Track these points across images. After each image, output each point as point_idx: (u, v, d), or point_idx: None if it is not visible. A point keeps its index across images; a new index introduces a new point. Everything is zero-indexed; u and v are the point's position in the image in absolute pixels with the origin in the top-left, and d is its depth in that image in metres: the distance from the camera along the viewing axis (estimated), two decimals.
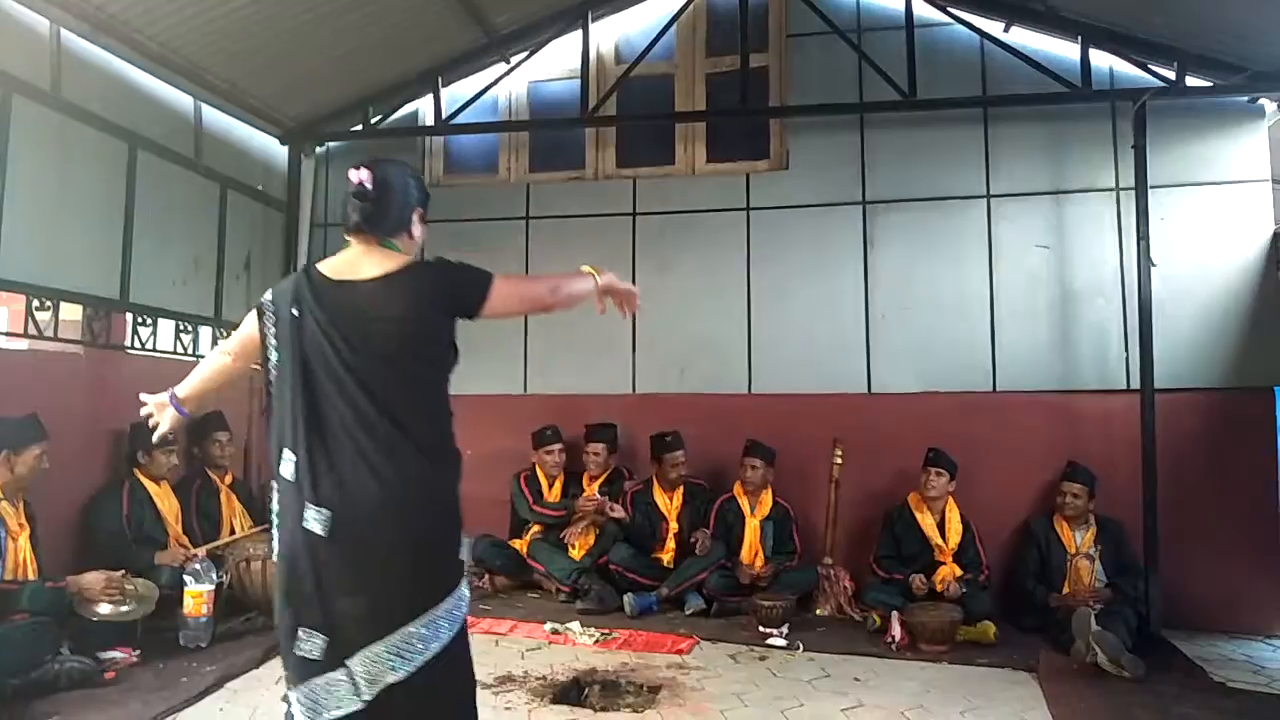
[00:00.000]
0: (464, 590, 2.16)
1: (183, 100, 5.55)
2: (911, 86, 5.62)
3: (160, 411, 2.51)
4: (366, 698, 2.03)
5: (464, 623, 2.16)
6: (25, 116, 4.37)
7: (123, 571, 4.03)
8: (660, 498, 5.70)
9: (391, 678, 2.02)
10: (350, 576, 2.05)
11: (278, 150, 6.47)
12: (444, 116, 6.39)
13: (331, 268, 2.23)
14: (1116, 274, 5.67)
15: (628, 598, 5.20)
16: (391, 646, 2.03)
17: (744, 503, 5.61)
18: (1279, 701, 4.01)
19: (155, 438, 2.57)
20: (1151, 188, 5.37)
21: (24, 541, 3.86)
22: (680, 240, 6.34)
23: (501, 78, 6.45)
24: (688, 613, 5.22)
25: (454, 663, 2.12)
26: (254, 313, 2.30)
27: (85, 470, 4.74)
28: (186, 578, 4.25)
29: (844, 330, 6.03)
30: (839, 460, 5.43)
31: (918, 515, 5.29)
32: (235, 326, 6.31)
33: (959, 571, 5.12)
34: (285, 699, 2.13)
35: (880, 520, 5.45)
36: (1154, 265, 5.29)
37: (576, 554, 5.61)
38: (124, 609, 3.97)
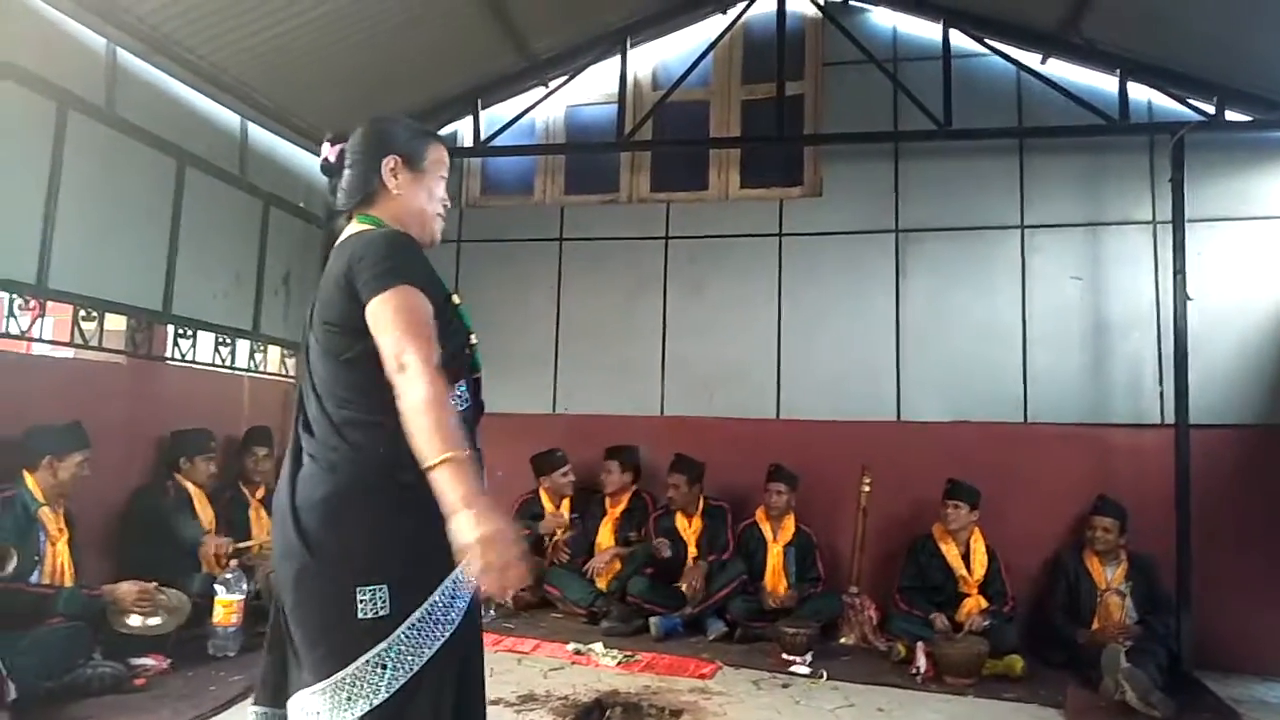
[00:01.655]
0: (392, 660, 1.70)
1: (230, 119, 5.69)
2: (947, 116, 5.64)
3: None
4: None
5: (424, 664, 1.72)
6: (80, 132, 4.49)
7: (155, 584, 4.09)
8: (680, 522, 5.70)
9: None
10: (278, 613, 1.84)
11: (319, 168, 6.58)
12: (482, 138, 6.50)
13: None
14: (1152, 307, 5.63)
15: (653, 620, 5.20)
16: (306, 701, 1.74)
17: (766, 528, 5.60)
18: None
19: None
20: (1189, 221, 5.33)
21: (63, 546, 3.95)
22: (712, 265, 6.38)
23: (540, 101, 6.56)
24: (711, 638, 5.20)
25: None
26: None
27: (125, 478, 4.85)
28: (217, 587, 4.32)
29: (874, 358, 6.02)
30: (867, 488, 5.41)
31: (942, 546, 5.25)
32: (272, 341, 6.47)
33: (984, 603, 5.07)
34: None
35: (905, 549, 5.41)
36: (1190, 299, 5.24)
37: (601, 583, 5.62)
38: (153, 622, 4.02)
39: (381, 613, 1.69)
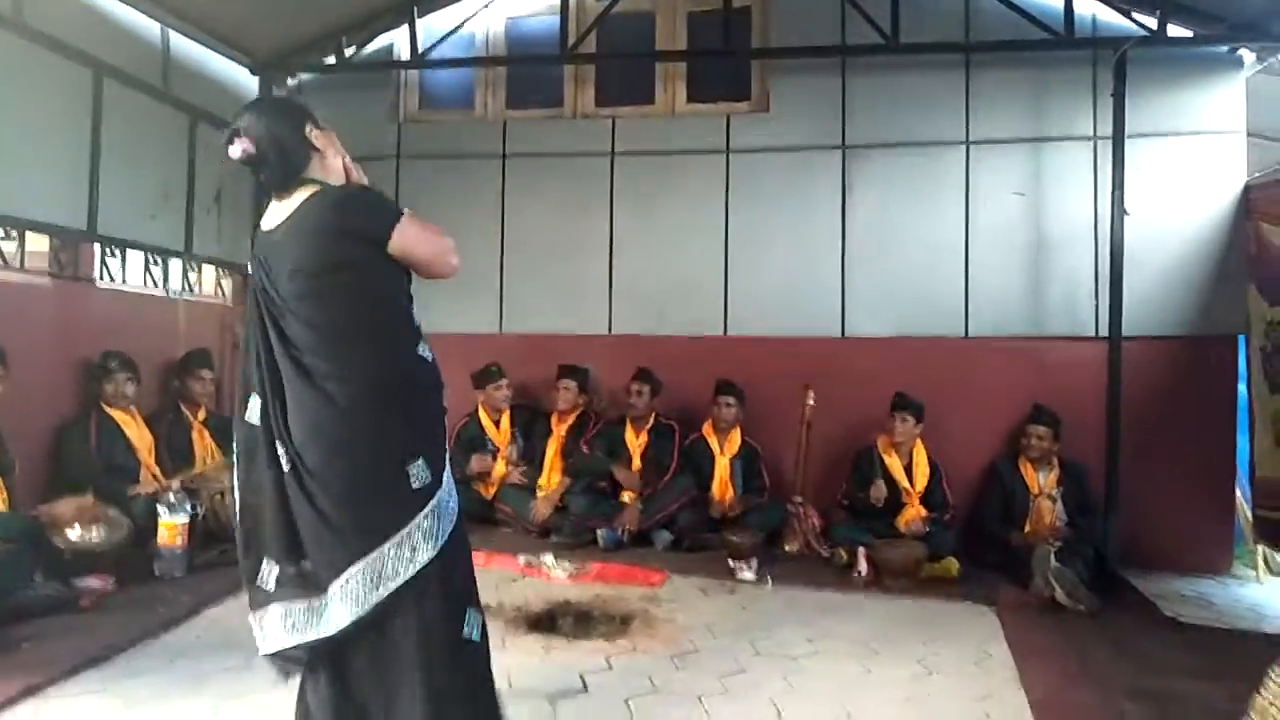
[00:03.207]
0: (440, 506, 2.16)
1: (151, 28, 5.41)
2: (894, 30, 5.57)
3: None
4: (334, 628, 2.10)
5: (449, 541, 2.17)
6: None
7: (92, 500, 4.02)
8: (629, 434, 5.75)
9: (370, 600, 2.08)
10: (312, 510, 2.11)
11: (249, 82, 6.32)
12: (419, 50, 6.27)
13: (264, 220, 2.28)
14: (1090, 222, 5.72)
15: (600, 532, 5.28)
16: (368, 570, 2.08)
17: (713, 441, 5.69)
18: (1225, 636, 4.17)
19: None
20: (1128, 137, 5.41)
21: None
22: (659, 181, 6.31)
23: (479, 11, 6.33)
24: (659, 548, 5.32)
25: (432, 581, 2.14)
26: None
27: (55, 401, 4.73)
28: (160, 509, 4.27)
29: (820, 274, 6.05)
30: (811, 402, 5.50)
31: (885, 458, 5.38)
32: (206, 260, 6.29)
33: (924, 513, 5.23)
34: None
35: (849, 460, 5.54)
36: (1127, 214, 5.35)
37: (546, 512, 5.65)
38: (94, 534, 3.99)
39: (426, 482, 2.15)
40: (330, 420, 2.12)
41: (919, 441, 5.42)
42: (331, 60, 6.40)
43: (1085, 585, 4.37)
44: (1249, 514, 5.36)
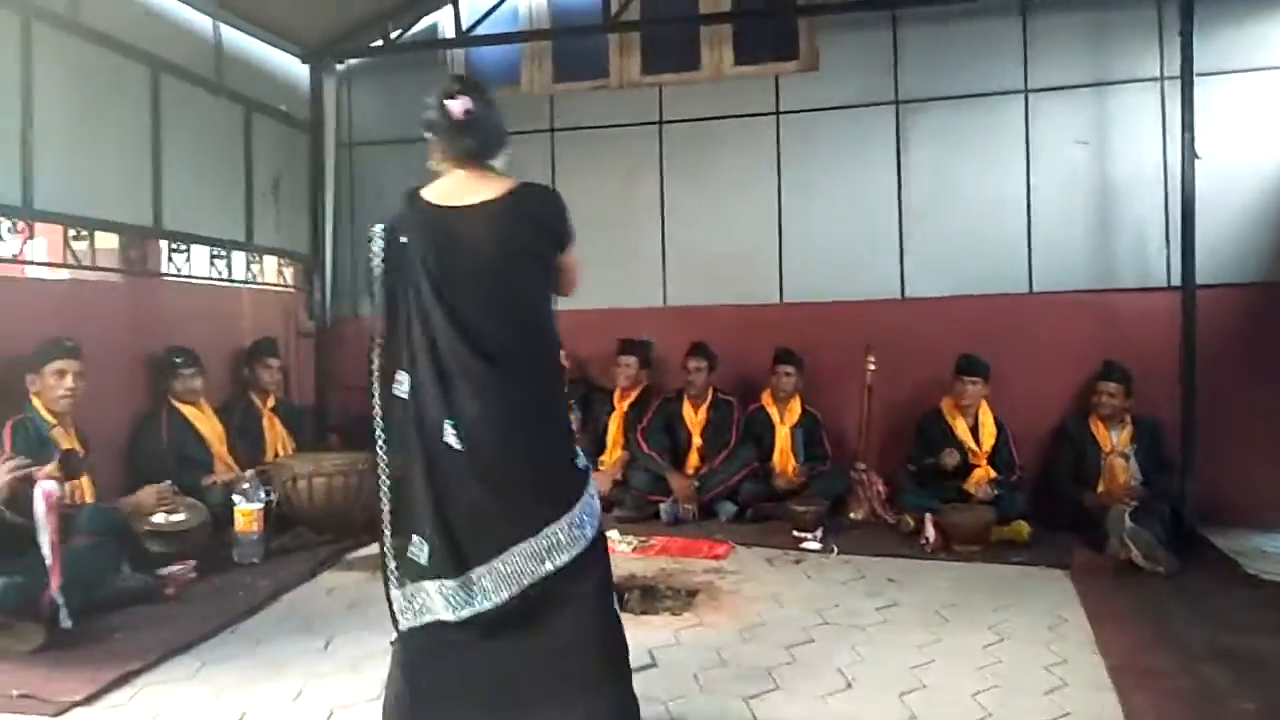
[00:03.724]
0: (591, 498, 2.30)
1: (201, 21, 5.49)
2: None
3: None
4: (502, 597, 2.18)
5: (599, 527, 2.31)
6: (46, 44, 4.34)
7: (170, 486, 4.16)
8: (687, 410, 5.72)
9: (537, 574, 2.18)
10: (479, 489, 2.19)
11: (299, 70, 6.40)
12: (464, 28, 6.27)
13: (436, 193, 2.30)
14: (1159, 168, 5.51)
15: (663, 506, 5.30)
16: (535, 546, 2.18)
17: (773, 411, 5.65)
18: None
19: None
20: (1197, 76, 5.16)
21: None
22: (709, 147, 6.23)
23: None
24: (723, 520, 5.32)
25: (592, 561, 2.26)
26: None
27: (130, 396, 4.88)
28: (236, 497, 4.39)
29: (877, 235, 5.94)
30: (872, 367, 5.42)
31: (950, 420, 5.30)
32: (267, 250, 6.43)
33: (993, 474, 5.14)
34: (389, 600, 2.29)
35: (913, 425, 5.46)
36: (1198, 158, 5.12)
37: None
38: (177, 517, 4.13)
39: (586, 464, 2.36)
40: (517, 404, 2.22)
41: (985, 401, 5.31)
42: (378, 44, 6.44)
43: (1162, 545, 4.25)
44: None
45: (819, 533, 4.86)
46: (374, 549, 4.80)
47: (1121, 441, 5.07)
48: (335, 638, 3.50)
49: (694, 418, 5.71)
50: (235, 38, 5.76)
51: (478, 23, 6.25)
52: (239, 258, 5.90)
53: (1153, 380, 5.16)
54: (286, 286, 6.44)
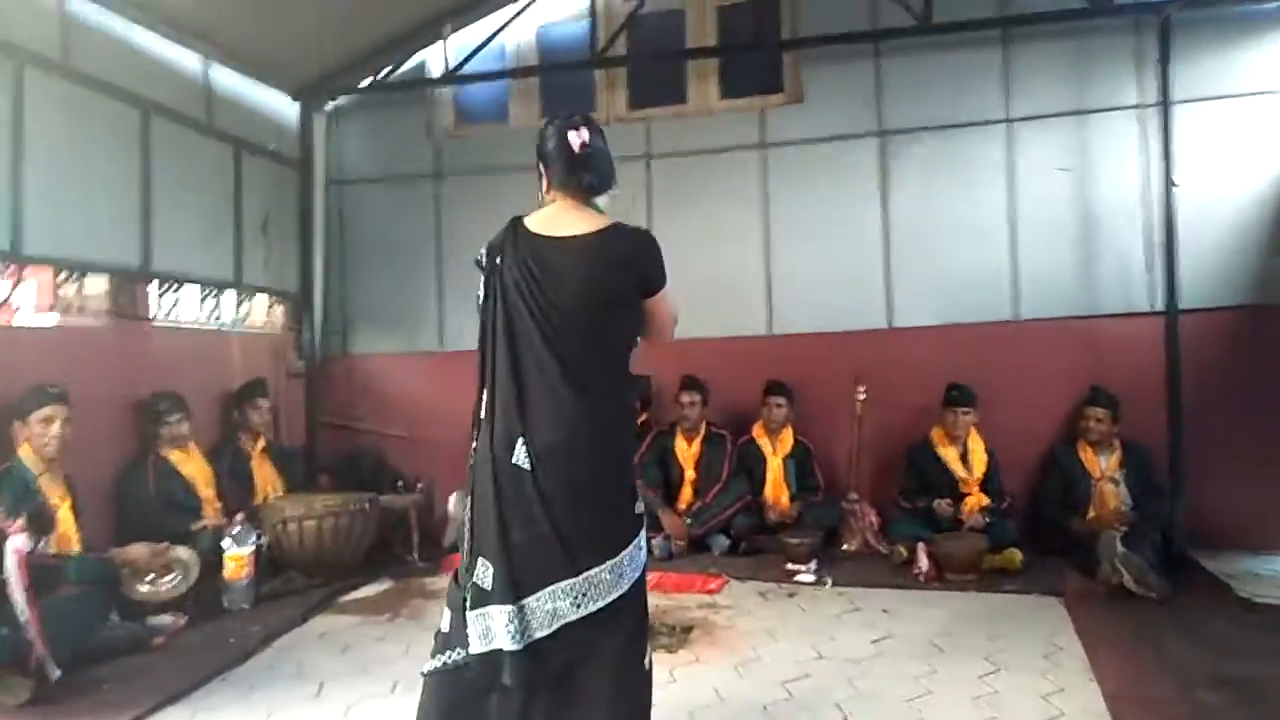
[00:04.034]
0: (639, 549, 2.29)
1: (192, 63, 5.52)
2: (927, 10, 5.48)
3: None
4: (538, 635, 2.17)
5: (643, 572, 2.30)
6: (37, 88, 4.37)
7: (165, 544, 4.12)
8: (680, 444, 5.72)
9: (568, 618, 2.17)
10: (542, 515, 2.18)
11: (288, 109, 6.44)
12: (451, 66, 6.33)
13: (535, 221, 2.34)
14: (1140, 194, 5.56)
15: (655, 542, 5.28)
16: (575, 587, 2.18)
17: (764, 443, 5.66)
18: None
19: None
20: (1175, 103, 5.25)
21: (65, 513, 3.95)
22: (696, 181, 6.28)
23: (509, 23, 6.36)
24: (716, 554, 5.31)
25: (625, 611, 2.24)
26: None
27: (118, 441, 4.84)
28: (225, 542, 4.36)
29: (863, 265, 5.98)
30: (862, 397, 5.45)
31: (940, 449, 5.32)
32: (257, 289, 6.42)
33: (985, 501, 5.16)
34: (452, 616, 2.28)
35: (903, 454, 5.48)
36: (1176, 186, 5.21)
37: None
38: (167, 581, 4.07)
39: (640, 510, 2.34)
40: (592, 438, 2.23)
41: (974, 429, 5.34)
42: (367, 82, 6.49)
43: (1154, 570, 4.27)
44: None
45: (813, 565, 4.86)
46: (365, 592, 4.80)
47: (1110, 466, 5.09)
48: (328, 683, 3.47)
49: (687, 451, 5.70)
50: (225, 77, 5.80)
51: (465, 60, 6.30)
52: (228, 297, 5.89)
53: (1139, 405, 5.20)
54: (276, 326, 6.43)
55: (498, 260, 2.30)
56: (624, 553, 2.24)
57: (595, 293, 2.25)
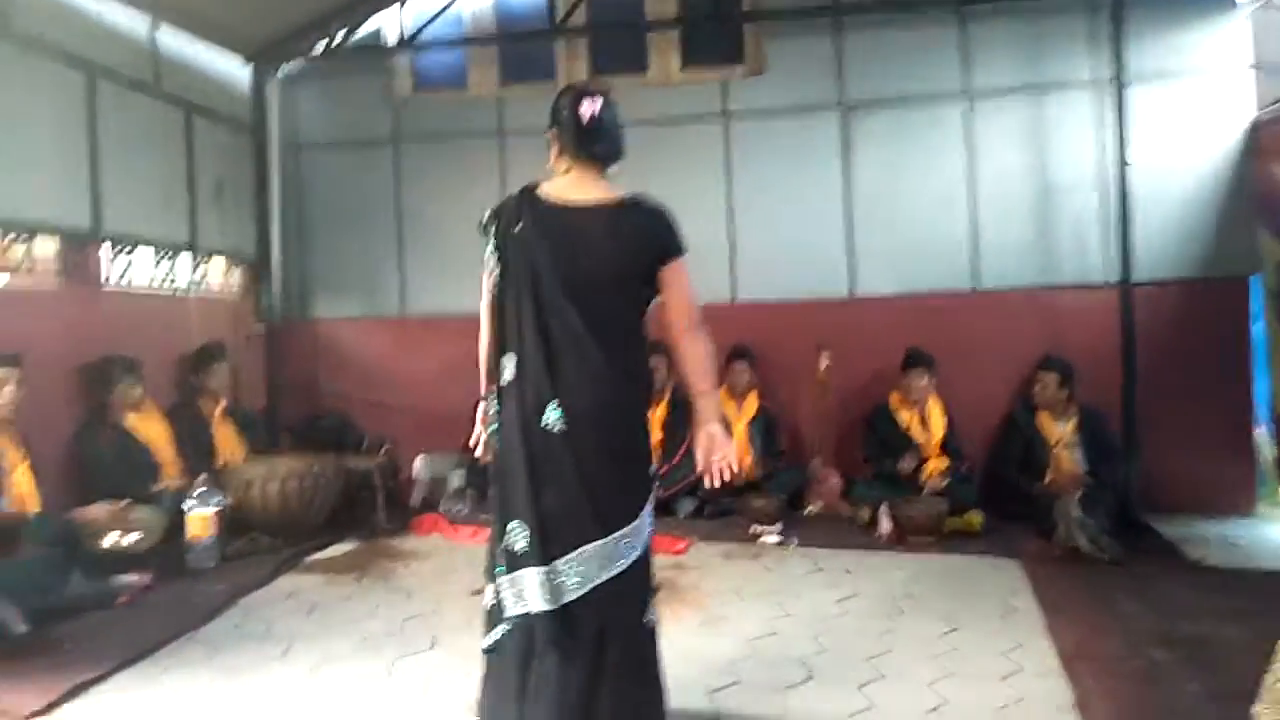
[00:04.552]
0: (650, 514, 2.36)
1: (139, 25, 5.36)
2: None
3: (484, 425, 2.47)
4: (568, 598, 2.21)
5: (648, 542, 2.36)
6: None
7: (126, 501, 4.05)
8: None
9: (599, 579, 2.22)
10: (574, 476, 2.23)
11: (240, 73, 6.29)
12: (408, 33, 6.22)
13: (553, 190, 2.37)
14: (1095, 169, 5.67)
15: None
16: (604, 548, 2.23)
17: (730, 407, 5.68)
18: (1252, 576, 4.18)
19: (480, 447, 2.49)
20: (1129, 81, 5.35)
21: (22, 473, 3.88)
22: (657, 151, 6.18)
23: None
24: (682, 516, 5.35)
25: (643, 568, 2.33)
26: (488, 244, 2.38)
27: (72, 405, 4.73)
28: (188, 503, 4.30)
29: (825, 235, 6.02)
30: (825, 364, 5.50)
31: (899, 413, 5.41)
32: (214, 253, 6.27)
33: (944, 464, 5.25)
34: (493, 587, 2.33)
35: (864, 420, 5.55)
36: (1128, 165, 5.33)
37: None
38: (131, 538, 4.01)
39: (653, 471, 2.45)
40: (620, 400, 2.29)
41: (932, 395, 5.42)
42: (322, 47, 6.35)
43: (1109, 533, 4.39)
44: (1270, 452, 5.36)
45: (778, 526, 4.91)
46: (331, 552, 4.75)
47: (1067, 432, 5.20)
48: (295, 642, 3.44)
49: (652, 414, 5.70)
50: (174, 40, 5.63)
51: (423, 27, 6.20)
52: (183, 261, 5.76)
53: (1095, 373, 5.31)
54: (233, 290, 6.31)
55: (517, 227, 2.30)
56: (643, 515, 2.31)
57: (620, 260, 2.29)
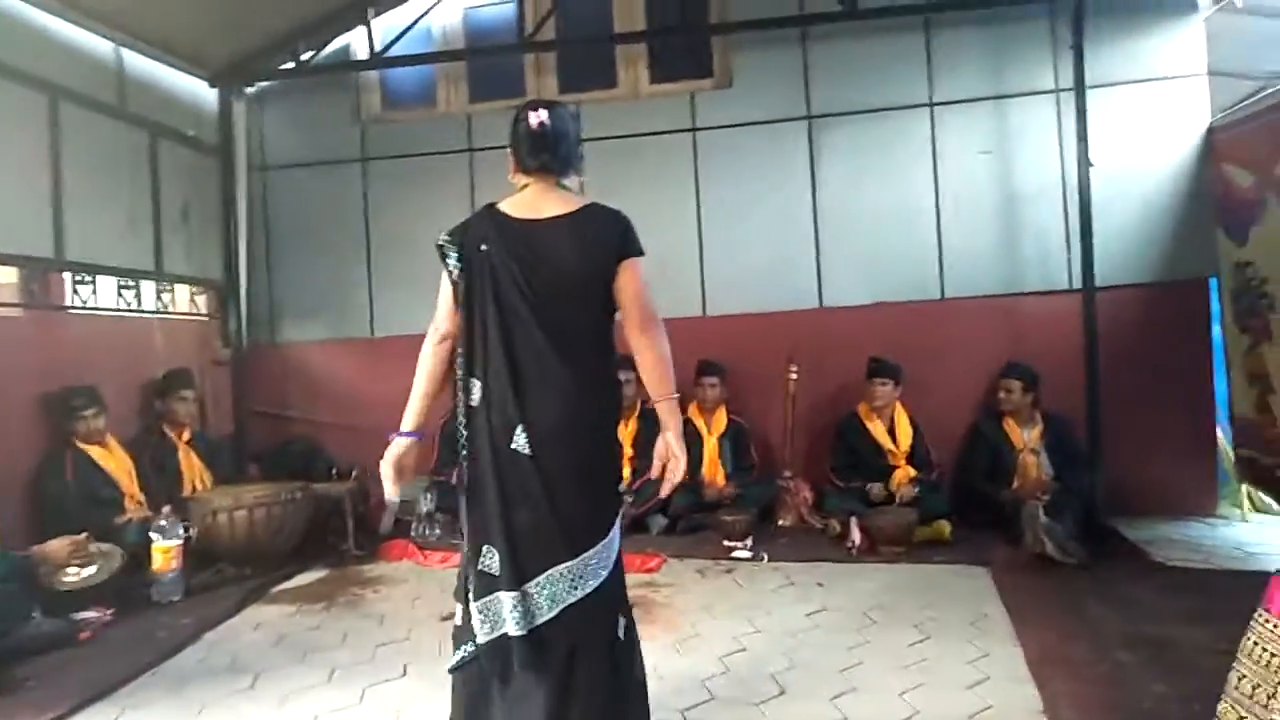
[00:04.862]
0: (618, 531, 2.36)
1: (103, 47, 5.33)
2: None
3: (396, 464, 2.43)
4: (540, 620, 2.22)
5: (618, 559, 2.36)
6: None
7: (85, 534, 4.00)
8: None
9: (569, 600, 2.22)
10: (542, 497, 2.23)
11: (207, 94, 6.26)
12: (377, 50, 6.21)
13: (513, 206, 2.36)
14: (1058, 176, 5.75)
15: None
16: (572, 569, 2.23)
17: (700, 422, 5.71)
18: (1215, 577, 4.23)
19: (390, 494, 2.47)
20: (1090, 87, 5.44)
21: None
22: (627, 165, 6.26)
23: (434, 5, 6.27)
24: (654, 533, 5.34)
25: (615, 585, 2.34)
26: (444, 269, 2.36)
27: (34, 434, 4.68)
28: (153, 534, 4.25)
29: (794, 247, 6.06)
30: (794, 376, 5.53)
31: (867, 424, 5.45)
32: (178, 279, 6.21)
33: (914, 473, 5.29)
34: (463, 609, 2.32)
35: (833, 430, 5.58)
36: (1091, 166, 5.40)
37: None
38: (88, 572, 3.96)
39: (621, 487, 2.45)
40: (587, 418, 2.29)
41: (899, 403, 5.47)
42: (289, 66, 6.34)
43: (1075, 538, 4.43)
44: (1231, 454, 5.44)
45: (749, 541, 4.93)
46: (299, 581, 4.71)
47: (1033, 439, 5.26)
48: (262, 674, 3.42)
49: (624, 430, 5.70)
50: (138, 62, 5.60)
51: (391, 44, 6.19)
52: (148, 287, 5.71)
53: (1060, 378, 5.38)
54: (199, 314, 6.27)
55: (481, 247, 2.30)
56: (612, 532, 2.32)
57: (583, 266, 2.29)
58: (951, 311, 5.84)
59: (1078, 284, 5.55)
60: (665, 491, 2.45)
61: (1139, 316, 5.58)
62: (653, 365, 2.37)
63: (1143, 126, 5.64)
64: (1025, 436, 5.26)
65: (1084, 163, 5.40)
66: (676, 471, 2.38)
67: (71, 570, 3.91)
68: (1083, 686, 2.97)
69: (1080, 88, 5.44)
